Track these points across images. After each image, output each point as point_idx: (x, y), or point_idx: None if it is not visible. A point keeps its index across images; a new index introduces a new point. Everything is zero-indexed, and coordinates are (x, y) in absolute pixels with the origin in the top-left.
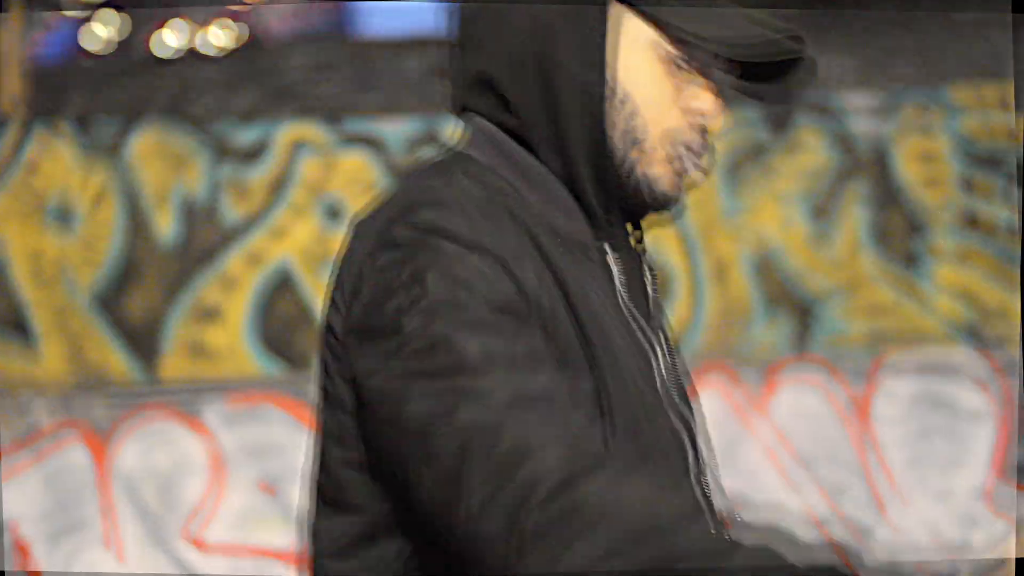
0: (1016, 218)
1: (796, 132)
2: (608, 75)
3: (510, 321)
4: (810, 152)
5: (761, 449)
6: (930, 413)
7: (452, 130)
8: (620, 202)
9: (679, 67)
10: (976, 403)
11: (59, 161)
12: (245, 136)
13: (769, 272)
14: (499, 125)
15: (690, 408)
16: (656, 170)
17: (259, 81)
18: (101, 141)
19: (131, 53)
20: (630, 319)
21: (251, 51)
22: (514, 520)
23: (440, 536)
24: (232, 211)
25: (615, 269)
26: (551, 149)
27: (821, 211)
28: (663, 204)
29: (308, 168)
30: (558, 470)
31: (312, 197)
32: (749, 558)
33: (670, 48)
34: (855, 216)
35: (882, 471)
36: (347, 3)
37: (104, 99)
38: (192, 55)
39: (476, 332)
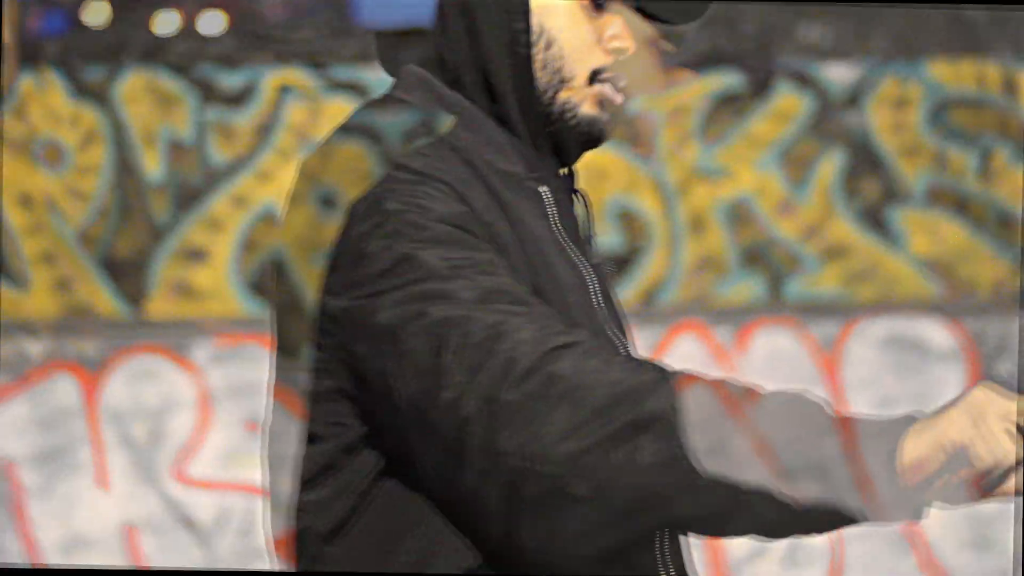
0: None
1: (775, 95)
2: (532, 20)
3: (467, 236)
4: (787, 115)
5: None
6: (901, 354)
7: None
8: (552, 139)
9: (597, 7)
10: (944, 343)
11: (48, 103)
12: (232, 81)
13: (744, 227)
14: (430, 72)
15: (625, 343)
16: (586, 108)
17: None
18: (89, 84)
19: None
20: (567, 248)
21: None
22: (493, 397)
23: (422, 436)
24: (219, 153)
25: (548, 203)
26: (481, 91)
27: (796, 172)
28: (596, 138)
29: (294, 113)
30: (532, 349)
31: (298, 142)
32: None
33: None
34: (829, 178)
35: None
36: None
37: (91, 44)
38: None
39: (436, 246)
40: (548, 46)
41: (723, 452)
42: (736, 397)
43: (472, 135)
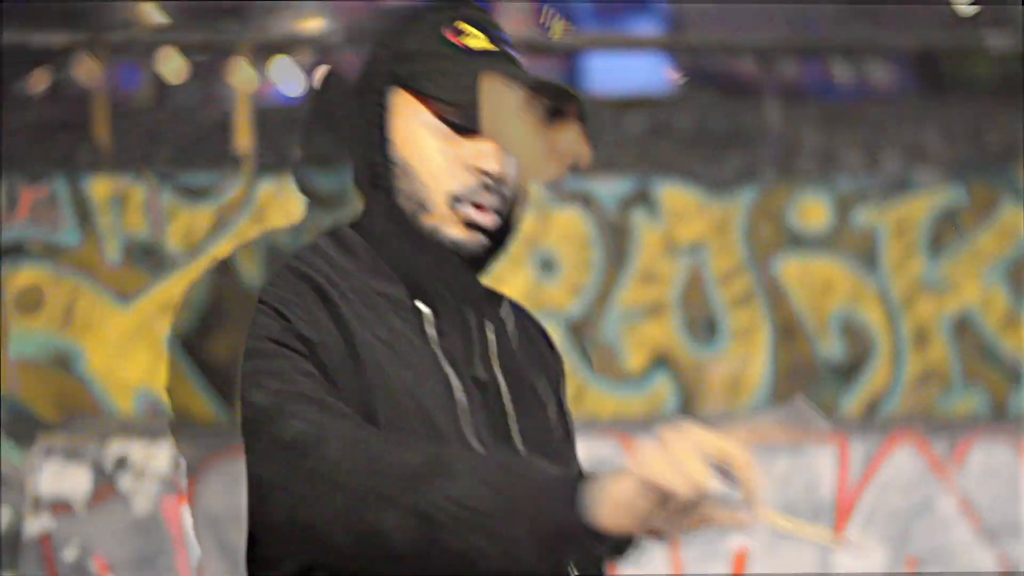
0: None
1: (999, 208)
2: (392, 152)
3: (275, 347)
4: (1012, 229)
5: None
6: None
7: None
8: (436, 259)
9: (460, 131)
10: None
11: (286, 207)
12: None
13: (968, 338)
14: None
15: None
16: (449, 228)
17: None
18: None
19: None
20: (438, 355)
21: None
22: (268, 470)
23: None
24: None
25: (427, 320)
26: (365, 223)
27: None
28: (466, 253)
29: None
30: (299, 428)
31: (527, 249)
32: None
33: (437, 119)
34: None
35: None
36: (576, 59)
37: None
38: None
39: (252, 358)
40: (405, 175)
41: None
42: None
43: (354, 264)
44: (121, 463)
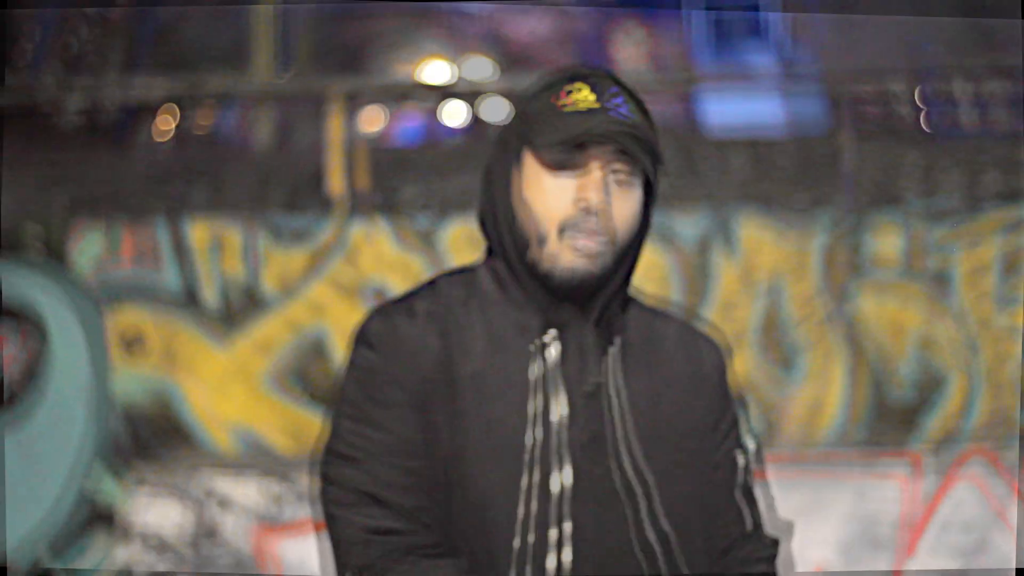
0: None
1: None
2: (522, 194)
3: (362, 389)
4: None
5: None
6: None
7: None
8: (554, 290)
9: (560, 170)
10: None
11: (378, 250)
12: None
13: None
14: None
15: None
16: (564, 256)
17: None
18: (417, 230)
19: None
20: (553, 378)
21: None
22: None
23: None
24: None
25: (551, 348)
26: (495, 262)
27: None
28: (579, 277)
29: None
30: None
31: None
32: None
33: (546, 166)
34: None
35: None
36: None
37: (422, 191)
38: None
39: (346, 389)
40: (529, 216)
41: None
42: None
43: (479, 302)
44: (217, 498)
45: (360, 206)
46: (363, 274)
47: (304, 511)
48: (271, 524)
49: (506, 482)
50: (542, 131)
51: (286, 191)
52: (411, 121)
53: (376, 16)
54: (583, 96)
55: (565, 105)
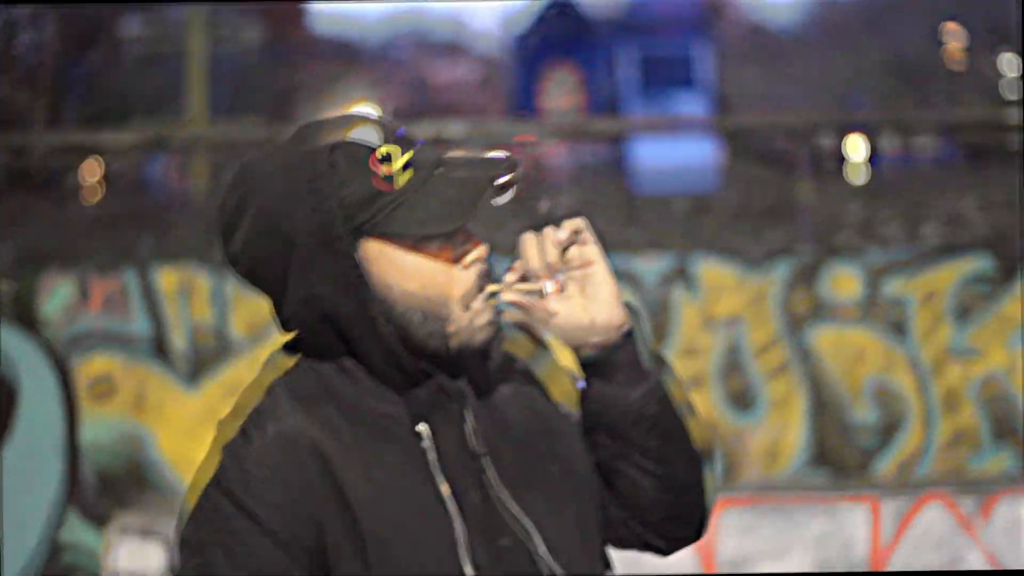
0: None
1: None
2: (383, 294)
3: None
4: None
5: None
6: None
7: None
8: (446, 365)
9: (434, 246)
10: None
11: None
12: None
13: (996, 401)
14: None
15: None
16: (476, 333)
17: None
18: None
19: None
20: (436, 480)
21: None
22: None
23: None
24: None
25: (427, 440)
26: (368, 356)
27: None
28: (489, 345)
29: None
30: None
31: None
32: None
33: (414, 251)
34: None
35: None
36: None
37: None
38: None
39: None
40: (419, 312)
41: None
42: None
43: (350, 385)
44: None
45: None
46: None
47: None
48: None
49: None
50: (399, 218)
51: None
52: None
53: (304, 63)
54: (394, 154)
55: (389, 177)
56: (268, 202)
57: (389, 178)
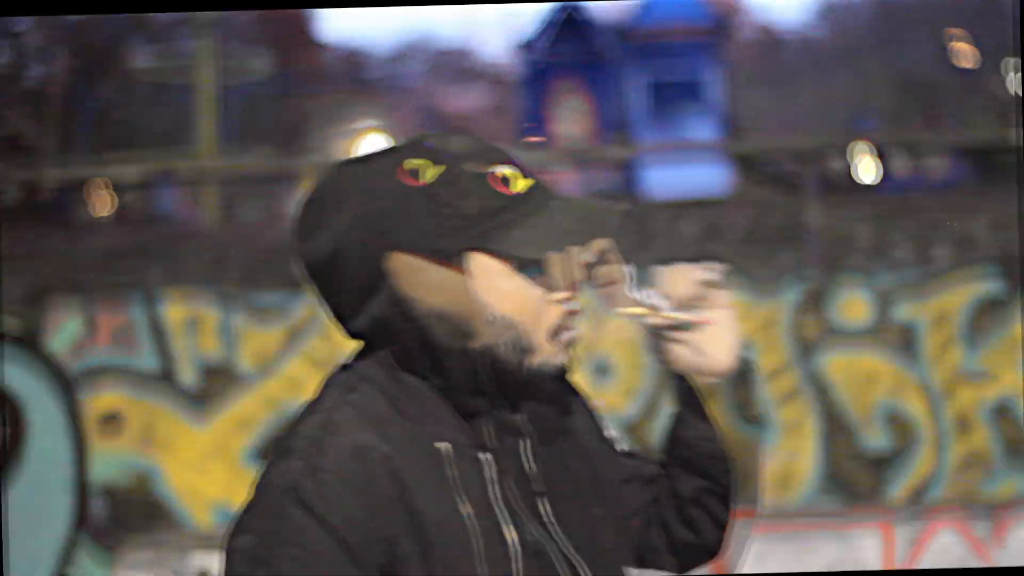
0: None
1: None
2: (489, 311)
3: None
4: None
5: None
6: None
7: None
8: (520, 394)
9: (533, 277)
10: None
11: None
12: None
13: (1009, 423)
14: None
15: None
16: (553, 359)
17: None
18: None
19: None
20: (496, 506)
21: None
22: None
23: None
24: None
25: (489, 465)
26: (448, 372)
27: None
28: (564, 373)
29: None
30: None
31: (583, 355)
32: None
33: (517, 272)
34: None
35: None
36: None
37: None
38: None
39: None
40: (505, 325)
41: None
42: None
43: (415, 406)
44: (202, 575)
45: None
46: (339, 349)
47: None
48: None
49: None
50: (510, 237)
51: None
52: None
53: (313, 93)
54: (514, 176)
55: (510, 196)
56: (373, 203)
57: (510, 197)
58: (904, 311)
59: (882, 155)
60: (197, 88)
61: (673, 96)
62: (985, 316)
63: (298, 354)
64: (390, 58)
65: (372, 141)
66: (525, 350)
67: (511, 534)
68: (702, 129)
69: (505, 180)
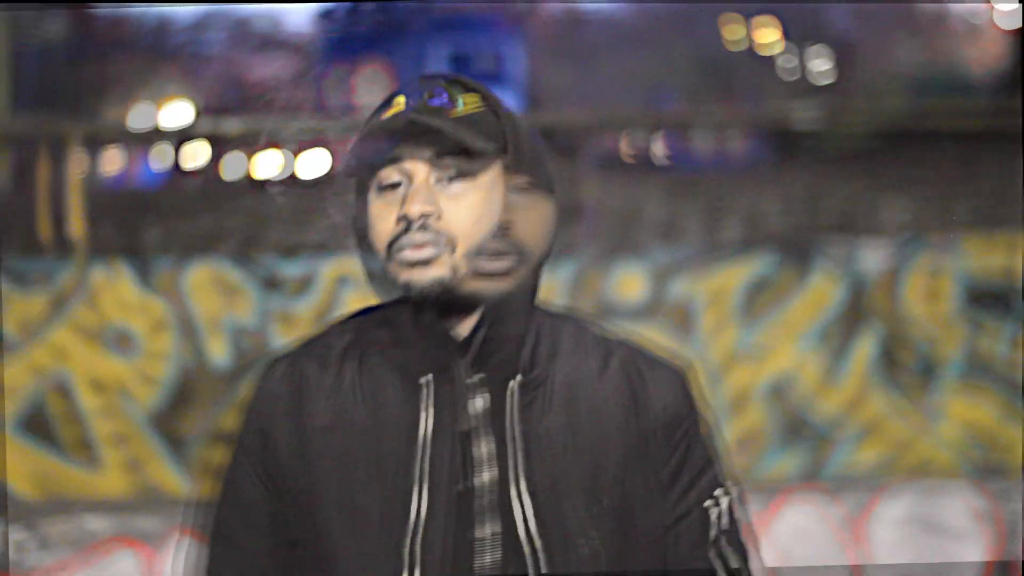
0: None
1: (812, 275)
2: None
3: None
4: (824, 292)
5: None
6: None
7: None
8: (414, 313)
9: (383, 191)
10: (966, 518)
11: (119, 293)
12: (291, 270)
13: (783, 404)
14: None
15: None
16: (400, 275)
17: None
18: (159, 274)
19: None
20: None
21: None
22: None
23: None
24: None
25: (427, 392)
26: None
27: (834, 350)
28: (420, 294)
29: (352, 301)
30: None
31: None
32: None
33: (374, 188)
34: (866, 352)
35: None
36: None
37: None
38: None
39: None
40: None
41: None
42: None
43: (387, 332)
44: None
45: (101, 249)
46: (105, 317)
47: (48, 558)
48: (15, 572)
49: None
50: (359, 152)
51: (23, 234)
52: (152, 163)
53: (112, 59)
54: (396, 104)
55: (373, 123)
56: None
57: (373, 122)
58: (681, 288)
59: (680, 133)
60: None
61: (474, 68)
62: (761, 295)
63: (64, 322)
64: (191, 26)
65: (174, 108)
66: (384, 268)
67: (424, 464)
68: (503, 101)
69: (387, 106)
